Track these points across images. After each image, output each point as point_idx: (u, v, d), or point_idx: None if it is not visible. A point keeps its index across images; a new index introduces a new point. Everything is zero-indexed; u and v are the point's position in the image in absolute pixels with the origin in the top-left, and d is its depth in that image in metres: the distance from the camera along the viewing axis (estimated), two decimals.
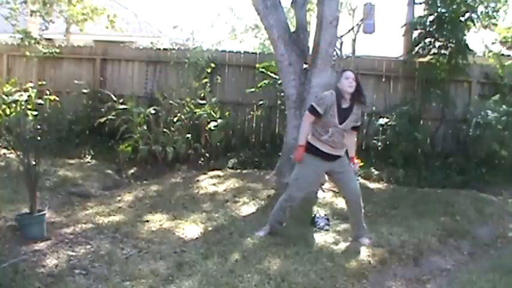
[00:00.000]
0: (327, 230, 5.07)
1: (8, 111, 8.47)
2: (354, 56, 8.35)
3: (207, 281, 3.75)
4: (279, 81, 7.34)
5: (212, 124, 7.85)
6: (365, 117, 8.36)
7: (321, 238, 4.79)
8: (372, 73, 8.43)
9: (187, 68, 8.55)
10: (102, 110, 8.38)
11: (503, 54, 8.44)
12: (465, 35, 7.87)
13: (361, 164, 5.19)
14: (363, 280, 4.06)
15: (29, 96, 8.71)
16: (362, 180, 7.12)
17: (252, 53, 10.23)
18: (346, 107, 4.54)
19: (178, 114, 8.07)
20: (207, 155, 8.00)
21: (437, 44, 7.91)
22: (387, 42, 14.73)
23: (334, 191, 6.48)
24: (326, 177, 6.77)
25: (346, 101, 4.53)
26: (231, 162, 7.77)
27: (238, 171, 7.41)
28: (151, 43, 10.76)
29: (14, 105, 8.56)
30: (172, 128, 7.97)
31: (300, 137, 4.64)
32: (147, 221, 5.19)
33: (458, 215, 5.60)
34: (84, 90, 9.03)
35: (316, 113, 4.53)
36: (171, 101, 8.15)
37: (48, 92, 8.93)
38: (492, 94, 7.78)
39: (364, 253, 4.43)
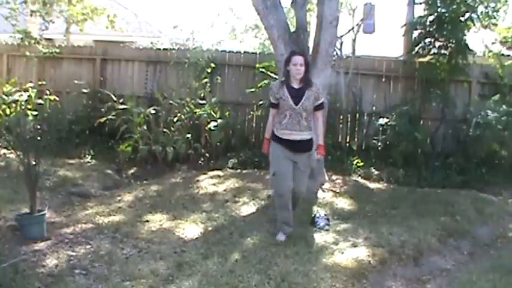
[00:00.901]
0: (327, 230, 5.07)
1: (8, 111, 8.47)
2: (354, 56, 8.34)
3: (207, 281, 3.75)
4: None
5: (212, 124, 7.84)
6: (365, 117, 8.38)
7: (321, 238, 4.79)
8: (372, 73, 8.43)
9: (187, 68, 8.55)
10: (102, 110, 8.37)
11: (503, 54, 8.44)
12: (465, 35, 7.87)
13: (324, 154, 5.01)
14: (363, 280, 4.06)
15: (29, 96, 8.71)
16: (362, 180, 7.15)
17: (252, 53, 10.23)
18: (299, 87, 4.56)
19: (178, 114, 8.06)
20: (207, 155, 8.00)
21: (437, 44, 7.91)
22: (387, 42, 14.72)
23: (334, 191, 6.49)
24: (326, 177, 6.81)
25: (297, 82, 4.56)
26: (231, 162, 7.77)
27: (238, 171, 7.41)
28: (151, 43, 10.76)
29: (14, 105, 8.56)
30: (172, 128, 7.97)
31: (266, 130, 4.82)
32: (147, 221, 5.19)
33: (458, 215, 5.60)
34: (84, 90, 9.02)
35: (273, 104, 4.66)
36: (171, 101, 8.15)
37: (48, 92, 8.92)
38: (492, 94, 7.77)
39: (364, 253, 4.43)
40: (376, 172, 7.41)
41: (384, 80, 8.50)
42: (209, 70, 8.53)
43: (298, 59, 4.52)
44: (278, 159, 4.60)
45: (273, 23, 6.40)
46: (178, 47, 9.65)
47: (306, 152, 4.64)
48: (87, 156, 8.01)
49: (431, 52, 7.93)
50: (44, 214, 4.70)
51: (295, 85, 4.56)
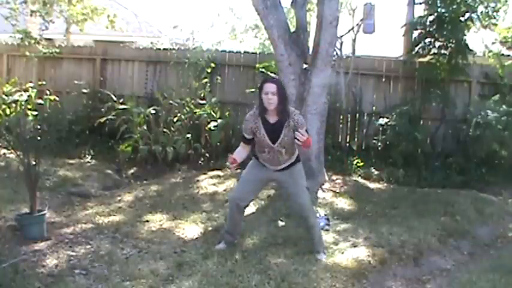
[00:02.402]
0: (327, 230, 5.07)
1: (8, 111, 8.47)
2: (354, 56, 8.33)
3: (207, 281, 3.75)
4: None
5: (212, 124, 7.84)
6: (365, 117, 8.37)
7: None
8: (372, 73, 8.42)
9: (187, 68, 8.55)
10: (102, 110, 8.37)
11: (503, 54, 8.43)
12: (465, 35, 7.86)
13: (304, 139, 3.90)
14: (363, 280, 4.06)
15: (29, 96, 8.70)
16: (362, 180, 7.15)
17: (252, 53, 10.23)
18: (275, 122, 4.04)
19: (178, 114, 8.06)
20: (207, 155, 8.00)
21: (437, 44, 7.90)
22: (387, 42, 14.71)
23: (334, 191, 6.49)
24: (326, 177, 6.81)
25: (273, 114, 4.03)
26: None
27: (238, 171, 7.40)
28: (151, 43, 10.75)
29: (14, 105, 8.56)
30: (172, 128, 7.96)
31: (235, 152, 4.23)
32: (147, 221, 5.19)
33: (458, 215, 5.60)
34: (84, 90, 9.02)
35: (244, 139, 4.17)
36: (171, 101, 8.15)
37: (48, 92, 8.92)
38: (492, 94, 7.77)
39: (364, 253, 4.43)
40: (376, 172, 7.41)
41: (384, 80, 8.49)
42: (209, 70, 8.53)
43: (270, 87, 3.96)
44: (252, 168, 4.31)
45: (273, 23, 6.40)
46: (178, 47, 9.65)
47: (288, 168, 4.22)
48: (87, 156, 8.01)
49: (431, 52, 7.93)
50: (44, 214, 4.70)
51: (271, 119, 4.04)
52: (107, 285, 3.71)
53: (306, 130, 3.99)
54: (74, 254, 4.24)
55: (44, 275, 3.79)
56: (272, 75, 7.89)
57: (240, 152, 4.23)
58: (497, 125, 7.23)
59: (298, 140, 3.87)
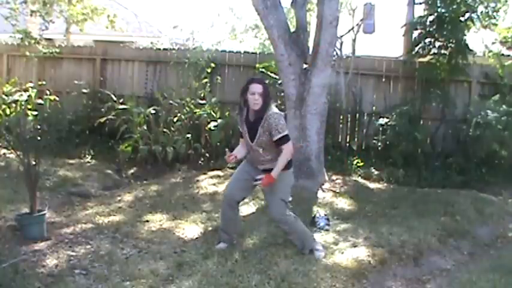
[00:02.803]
0: (327, 230, 5.07)
1: (8, 111, 8.47)
2: (354, 56, 8.34)
3: (207, 281, 3.75)
4: (279, 81, 7.34)
5: (212, 124, 7.84)
6: (365, 117, 8.38)
7: (321, 238, 4.78)
8: (372, 73, 8.43)
9: (187, 68, 8.55)
10: (102, 110, 8.37)
11: (503, 54, 8.44)
12: (465, 35, 7.87)
13: (264, 183, 4.08)
14: (363, 280, 4.06)
15: (29, 96, 8.70)
16: (362, 180, 7.15)
17: (252, 53, 10.23)
18: (253, 121, 4.05)
19: (178, 114, 8.06)
20: (207, 155, 8.00)
21: (437, 44, 7.91)
22: (387, 42, 14.72)
23: (334, 191, 6.49)
24: (326, 177, 6.81)
25: (253, 114, 4.06)
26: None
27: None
28: (151, 43, 10.75)
29: (14, 105, 8.56)
30: (172, 128, 7.96)
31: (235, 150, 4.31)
32: (147, 221, 5.19)
33: (458, 215, 5.60)
34: (84, 90, 9.02)
35: (241, 134, 4.26)
36: (171, 101, 8.15)
37: (48, 92, 8.92)
38: (492, 94, 7.78)
39: (364, 253, 4.43)
40: (376, 172, 7.42)
41: (384, 80, 8.50)
42: (209, 70, 8.53)
43: (257, 87, 3.99)
44: (242, 167, 4.36)
45: (273, 23, 6.40)
46: (178, 47, 9.66)
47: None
48: (87, 156, 8.01)
49: (431, 52, 7.94)
50: (44, 214, 4.70)
51: (251, 116, 4.07)
52: (106, 285, 3.71)
53: (283, 138, 3.98)
54: (74, 254, 4.24)
55: (44, 275, 3.79)
56: (272, 75, 7.91)
57: (240, 149, 4.30)
58: (497, 125, 7.24)
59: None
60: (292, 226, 4.29)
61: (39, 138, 5.01)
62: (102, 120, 8.17)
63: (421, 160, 7.50)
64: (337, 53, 7.38)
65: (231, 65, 8.93)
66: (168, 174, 7.35)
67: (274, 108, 4.11)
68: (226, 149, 4.31)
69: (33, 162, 4.66)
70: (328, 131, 7.24)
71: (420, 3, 8.82)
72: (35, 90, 8.87)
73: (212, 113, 8.01)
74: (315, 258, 4.26)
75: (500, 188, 6.82)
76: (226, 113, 8.22)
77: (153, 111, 8.00)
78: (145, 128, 7.92)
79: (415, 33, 8.22)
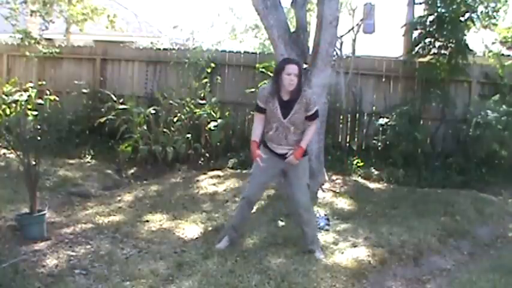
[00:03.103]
0: (327, 230, 5.07)
1: (8, 111, 8.47)
2: (354, 56, 8.33)
3: (207, 281, 3.75)
4: None
5: (212, 124, 7.84)
6: (365, 117, 8.37)
7: (321, 238, 4.78)
8: (372, 73, 8.42)
9: (187, 68, 8.55)
10: (102, 110, 8.37)
11: (503, 54, 8.44)
12: (465, 35, 7.87)
13: (298, 157, 4.21)
14: (363, 280, 4.06)
15: (29, 96, 8.70)
16: (362, 180, 7.15)
17: (252, 53, 10.23)
18: (288, 99, 4.14)
19: (178, 114, 8.06)
20: (207, 155, 8.00)
21: (437, 44, 7.90)
22: (387, 42, 14.71)
23: (334, 191, 6.49)
24: (326, 177, 6.81)
25: (287, 93, 4.13)
26: (231, 162, 7.77)
27: (238, 171, 7.41)
28: (151, 43, 10.76)
29: (14, 105, 8.56)
30: (172, 128, 7.96)
31: (252, 134, 4.31)
32: (147, 221, 5.19)
33: (458, 215, 5.60)
34: (84, 90, 9.02)
35: (259, 109, 4.22)
36: (171, 101, 8.15)
37: (48, 92, 8.92)
38: (492, 94, 7.77)
39: (364, 253, 4.43)
40: (376, 172, 7.41)
41: (383, 80, 8.49)
42: (209, 70, 8.53)
43: (293, 69, 4.06)
44: (258, 165, 4.26)
45: (273, 23, 6.40)
46: (178, 47, 9.65)
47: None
48: (87, 156, 8.01)
49: (431, 52, 7.93)
50: (44, 214, 4.70)
51: (285, 96, 4.14)
52: (107, 285, 3.71)
53: (315, 113, 4.21)
54: (74, 254, 4.24)
55: (44, 275, 3.79)
56: (272, 75, 7.89)
57: (257, 127, 4.27)
58: (497, 125, 7.23)
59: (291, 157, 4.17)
60: (313, 214, 4.49)
61: (39, 138, 5.01)
62: (102, 120, 8.17)
63: (421, 160, 7.50)
64: (337, 53, 7.37)
65: (231, 65, 8.92)
66: (168, 174, 7.35)
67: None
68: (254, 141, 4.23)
69: (33, 162, 4.66)
70: (328, 131, 7.24)
71: (420, 3, 8.81)
72: (35, 90, 8.87)
73: (212, 113, 8.01)
74: (315, 258, 4.26)
75: (500, 188, 6.82)
76: (226, 113, 8.22)
77: (153, 111, 8.00)
78: (145, 128, 7.92)
79: (415, 33, 8.21)
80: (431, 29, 7.90)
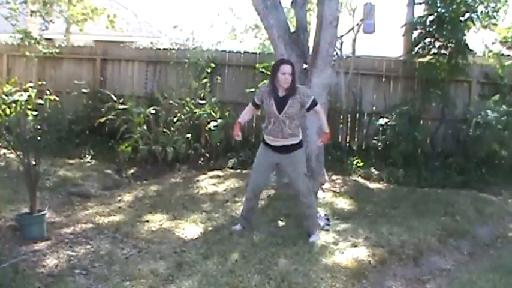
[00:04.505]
0: (327, 230, 5.07)
1: (8, 111, 8.47)
2: (354, 56, 8.33)
3: (207, 281, 3.75)
4: None
5: (212, 124, 7.84)
6: (365, 117, 8.37)
7: (321, 238, 4.78)
8: (372, 73, 8.42)
9: (187, 68, 8.55)
10: (102, 110, 8.37)
11: (503, 54, 8.44)
12: (465, 35, 7.87)
13: (325, 141, 5.02)
14: (363, 280, 4.06)
15: (29, 96, 8.71)
16: (362, 180, 7.15)
17: (252, 53, 10.23)
18: (283, 96, 4.57)
19: (178, 114, 8.06)
20: (207, 155, 8.00)
21: (437, 44, 7.90)
22: (387, 42, 14.73)
23: (334, 191, 6.49)
24: (326, 177, 6.81)
25: (283, 90, 4.57)
26: (231, 162, 7.77)
27: (238, 171, 7.41)
28: (151, 43, 10.76)
29: (14, 105, 8.56)
30: (172, 128, 7.96)
31: (240, 116, 4.91)
32: (147, 221, 5.19)
33: (458, 215, 5.60)
34: (84, 90, 9.02)
35: (254, 103, 4.78)
36: (171, 101, 8.15)
37: (48, 92, 8.93)
38: (492, 94, 7.77)
39: (364, 253, 4.43)
40: (376, 172, 7.41)
41: (383, 80, 8.50)
42: (209, 70, 8.53)
43: (287, 68, 4.51)
44: (260, 156, 4.77)
45: (273, 23, 6.40)
46: (178, 47, 9.64)
47: (290, 152, 4.64)
48: (87, 156, 8.01)
49: (431, 52, 7.93)
50: (44, 214, 4.70)
51: (280, 93, 4.58)
52: (107, 285, 3.71)
53: (313, 102, 4.61)
54: (74, 254, 4.24)
55: (44, 275, 3.79)
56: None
57: (246, 113, 4.91)
58: (497, 125, 7.23)
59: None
60: (313, 199, 4.93)
61: (39, 138, 5.01)
62: (102, 120, 8.16)
63: (421, 160, 7.50)
64: (337, 53, 7.37)
65: (231, 65, 8.93)
66: (168, 174, 7.35)
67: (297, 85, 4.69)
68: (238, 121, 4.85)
69: (33, 162, 4.66)
70: None
71: (420, 3, 8.81)
72: (35, 90, 8.88)
73: (212, 113, 8.01)
74: (308, 241, 4.59)
75: (500, 188, 6.82)
76: (226, 113, 8.22)
77: (153, 111, 8.00)
78: (145, 128, 7.92)
79: (415, 33, 8.21)
80: (431, 29, 7.91)
